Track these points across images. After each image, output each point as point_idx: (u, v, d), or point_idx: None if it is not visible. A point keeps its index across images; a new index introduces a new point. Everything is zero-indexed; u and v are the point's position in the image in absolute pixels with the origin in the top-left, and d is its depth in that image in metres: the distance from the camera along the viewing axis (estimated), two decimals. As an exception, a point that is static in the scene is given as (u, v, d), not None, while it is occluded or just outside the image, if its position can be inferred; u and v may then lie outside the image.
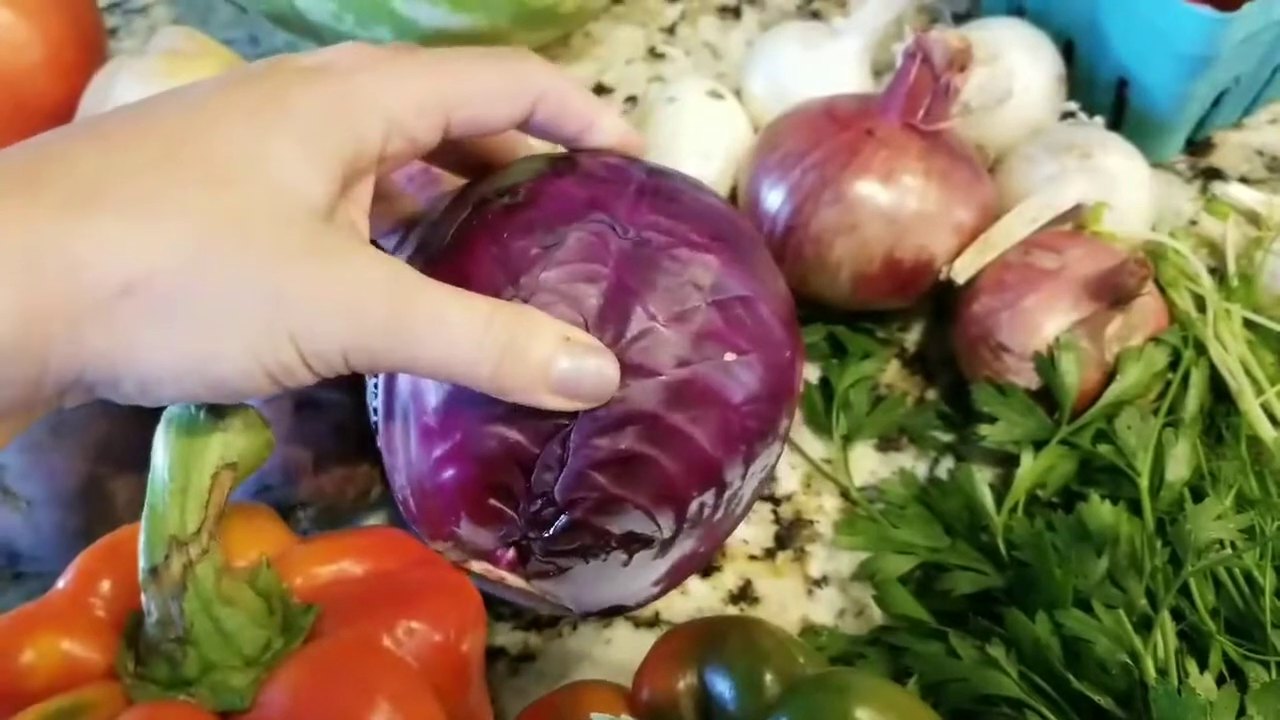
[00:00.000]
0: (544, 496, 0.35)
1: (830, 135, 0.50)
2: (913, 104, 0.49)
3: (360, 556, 0.35)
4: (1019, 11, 0.60)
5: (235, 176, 0.28)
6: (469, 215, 0.37)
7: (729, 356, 0.36)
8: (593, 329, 0.34)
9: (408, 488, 0.38)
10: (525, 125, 0.37)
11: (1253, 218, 0.54)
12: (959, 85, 0.49)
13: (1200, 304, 0.49)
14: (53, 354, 0.26)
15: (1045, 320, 0.47)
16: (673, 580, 0.40)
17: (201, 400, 0.31)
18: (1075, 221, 0.51)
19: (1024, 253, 0.49)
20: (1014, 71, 0.55)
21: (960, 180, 0.50)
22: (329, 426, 0.45)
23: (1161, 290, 0.50)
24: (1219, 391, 0.47)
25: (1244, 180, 0.58)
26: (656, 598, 0.41)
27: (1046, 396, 0.46)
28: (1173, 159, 0.60)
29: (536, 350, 0.32)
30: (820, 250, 0.49)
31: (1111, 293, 0.46)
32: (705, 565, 0.40)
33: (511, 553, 0.38)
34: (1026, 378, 0.47)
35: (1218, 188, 0.55)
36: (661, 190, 0.38)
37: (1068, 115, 0.57)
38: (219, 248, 0.27)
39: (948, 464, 0.50)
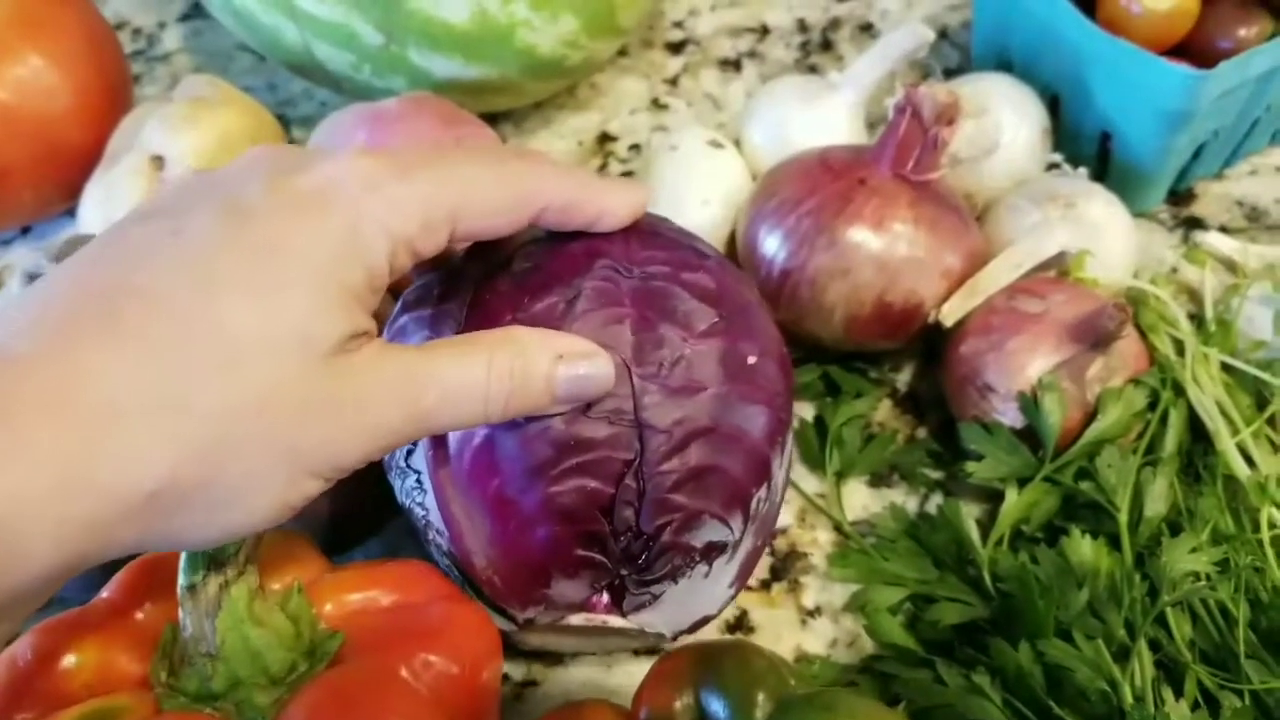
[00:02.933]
0: (629, 531, 0.37)
1: (825, 184, 0.51)
2: (903, 155, 0.51)
3: (388, 587, 0.37)
4: (1007, 67, 0.62)
5: (249, 353, 0.28)
6: (479, 292, 0.38)
7: (751, 359, 0.39)
8: (632, 364, 0.36)
9: (490, 568, 0.38)
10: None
11: (1230, 265, 0.55)
12: (947, 138, 0.50)
13: (1179, 348, 0.50)
14: (83, 557, 0.27)
15: (1029, 362, 0.48)
16: (742, 579, 0.42)
17: None
18: (1059, 268, 0.52)
19: (1009, 297, 0.50)
20: (1001, 125, 0.56)
21: (949, 228, 0.51)
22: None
23: (1142, 334, 0.51)
24: (1196, 431, 0.48)
25: (1224, 229, 0.59)
26: (733, 599, 0.42)
27: (1030, 435, 0.47)
28: (1156, 209, 0.61)
29: (537, 377, 0.34)
30: (815, 294, 0.51)
31: (1092, 336, 0.47)
32: (760, 558, 0.43)
33: (605, 596, 0.39)
34: (1012, 417, 0.48)
35: (1198, 236, 0.57)
36: (643, 229, 0.40)
37: (1053, 166, 0.58)
38: (236, 433, 0.28)
39: (937, 499, 0.51)
